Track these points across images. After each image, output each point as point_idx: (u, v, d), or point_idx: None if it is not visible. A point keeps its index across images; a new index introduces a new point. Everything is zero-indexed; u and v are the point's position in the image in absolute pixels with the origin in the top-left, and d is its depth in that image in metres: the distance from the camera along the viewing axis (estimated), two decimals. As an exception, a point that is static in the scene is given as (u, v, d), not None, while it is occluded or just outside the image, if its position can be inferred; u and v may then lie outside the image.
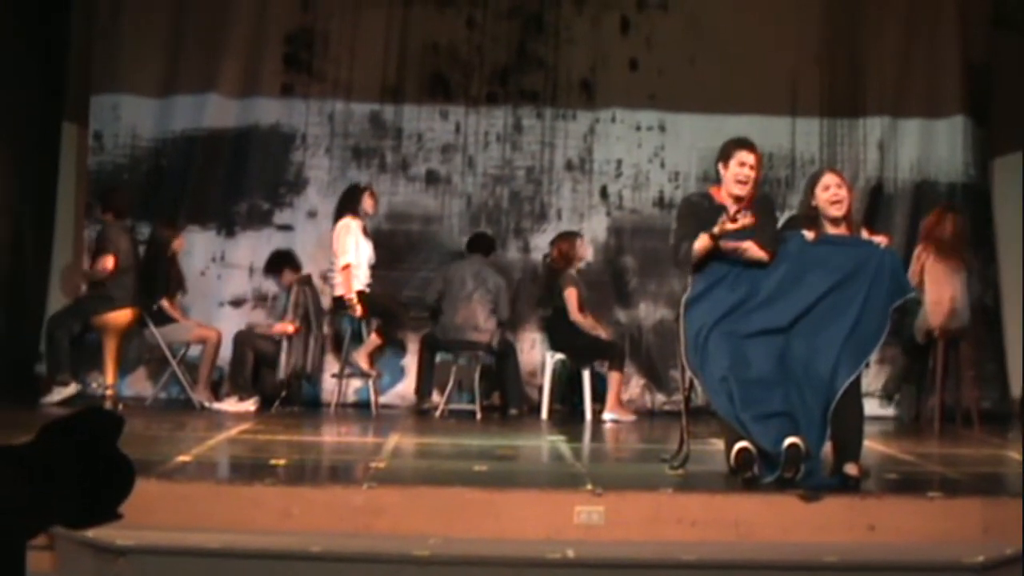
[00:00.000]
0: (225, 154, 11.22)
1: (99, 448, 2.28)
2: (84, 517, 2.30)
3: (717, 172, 6.69)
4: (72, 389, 9.96)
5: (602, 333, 10.37)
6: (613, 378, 10.21)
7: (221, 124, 11.18)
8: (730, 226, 6.31)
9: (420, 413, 10.26)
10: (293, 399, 10.38)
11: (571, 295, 10.22)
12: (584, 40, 11.44)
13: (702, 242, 6.39)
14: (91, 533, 4.99)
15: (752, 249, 6.40)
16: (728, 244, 6.40)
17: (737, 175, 6.54)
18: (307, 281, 10.47)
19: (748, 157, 6.57)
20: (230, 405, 9.97)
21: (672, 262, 6.91)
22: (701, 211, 6.46)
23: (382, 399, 10.60)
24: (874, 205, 11.21)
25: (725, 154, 6.63)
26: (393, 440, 8.41)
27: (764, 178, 10.40)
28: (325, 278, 10.70)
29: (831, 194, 6.55)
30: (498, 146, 11.39)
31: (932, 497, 5.96)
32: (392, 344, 10.75)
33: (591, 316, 10.45)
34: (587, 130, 11.40)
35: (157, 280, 10.19)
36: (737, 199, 6.54)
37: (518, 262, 11.27)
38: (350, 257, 10.10)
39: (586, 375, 10.21)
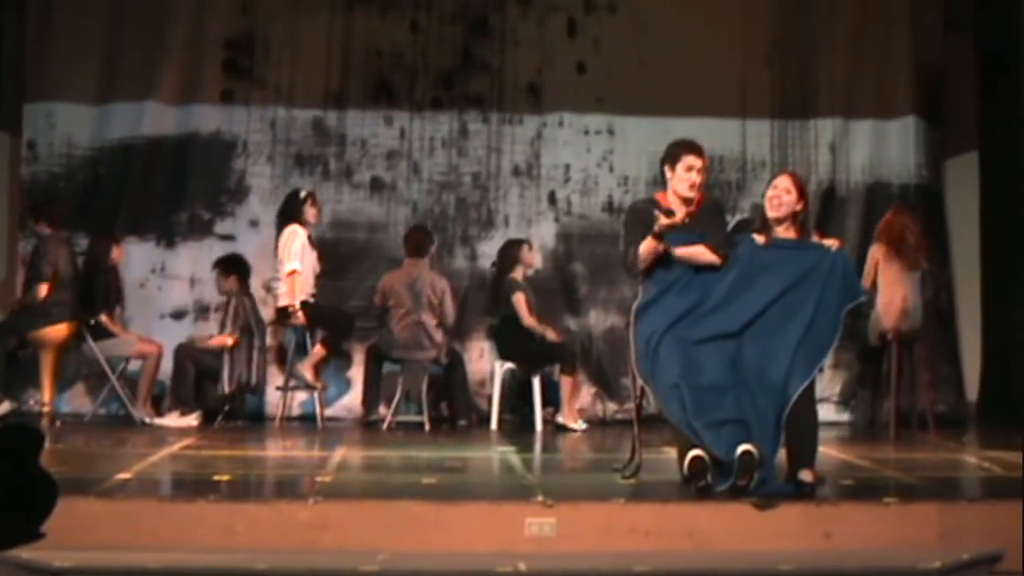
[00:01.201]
0: (164, 163, 11.15)
1: (19, 466, 2.25)
2: (4, 537, 2.27)
3: (663, 173, 6.70)
4: (5, 407, 9.87)
5: (551, 334, 10.36)
6: (566, 383, 10.22)
7: (160, 132, 11.12)
8: (664, 221, 6.29)
9: (367, 425, 10.24)
10: (237, 413, 10.33)
11: (520, 299, 10.21)
12: (530, 43, 11.45)
13: (647, 244, 6.39)
14: (26, 554, 4.94)
15: (704, 254, 6.42)
16: (679, 251, 6.42)
17: (684, 179, 6.54)
18: (245, 292, 10.42)
19: (696, 162, 6.56)
20: (172, 420, 9.90)
21: (623, 269, 6.91)
22: (647, 217, 6.43)
23: (328, 411, 10.56)
24: (826, 208, 11.27)
25: (672, 156, 6.62)
26: (339, 453, 8.38)
27: (714, 181, 10.53)
28: (268, 288, 10.66)
29: (772, 194, 6.58)
30: (444, 152, 11.38)
31: (888, 503, 5.99)
32: (337, 355, 10.72)
33: (539, 320, 10.45)
34: (534, 135, 11.41)
35: (96, 293, 10.12)
36: (685, 202, 6.55)
37: (465, 270, 11.25)
38: (296, 263, 10.06)
39: (536, 383, 10.21)
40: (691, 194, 6.54)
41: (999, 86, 11.30)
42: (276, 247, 10.24)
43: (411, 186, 11.34)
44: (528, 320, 10.24)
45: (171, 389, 10.19)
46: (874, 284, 9.84)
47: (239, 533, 5.67)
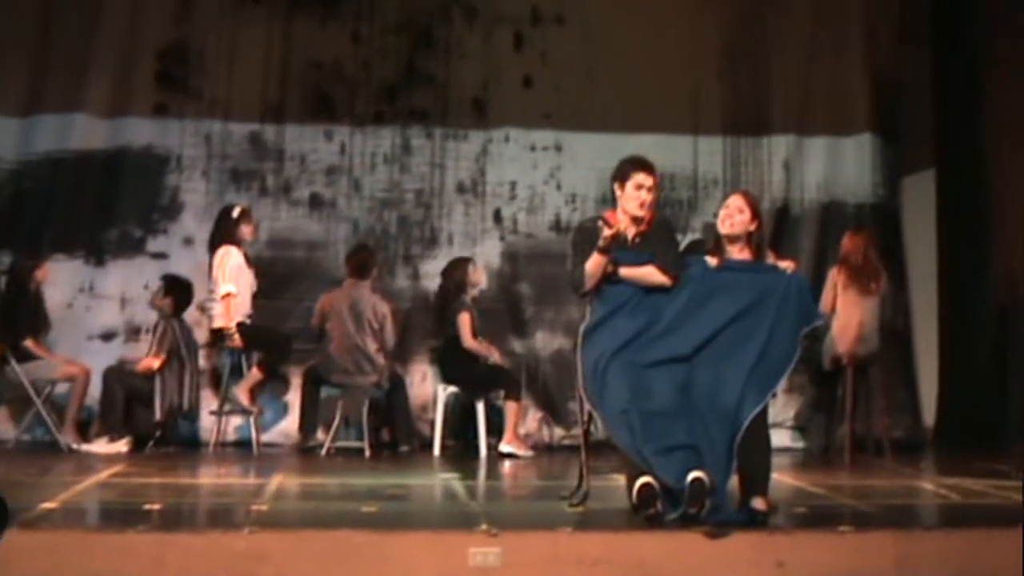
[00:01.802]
0: (94, 178, 11.08)
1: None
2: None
3: (612, 192, 6.70)
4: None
5: (496, 356, 10.36)
6: (510, 408, 10.21)
7: (89, 145, 11.05)
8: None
9: (305, 451, 10.19)
10: (169, 438, 10.26)
11: (464, 320, 10.21)
12: (476, 56, 11.47)
13: (594, 260, 6.39)
14: (-53, 587, 4.90)
15: (653, 274, 6.43)
16: (628, 272, 6.42)
17: (634, 197, 6.54)
18: (176, 315, 10.36)
19: (646, 180, 6.55)
20: (100, 446, 9.83)
21: (571, 290, 6.89)
22: (596, 237, 6.43)
23: (264, 437, 10.51)
24: (780, 227, 11.32)
25: (622, 174, 6.60)
26: (276, 481, 8.34)
27: (665, 199, 10.55)
28: (203, 309, 10.60)
29: (724, 213, 6.61)
30: (386, 168, 11.38)
31: (843, 531, 6.01)
32: (274, 378, 10.67)
33: (485, 341, 10.44)
34: (479, 150, 11.43)
35: (19, 314, 10.03)
36: (635, 220, 6.55)
37: (408, 290, 11.25)
38: (231, 286, 10.01)
39: (480, 408, 10.21)
40: (641, 213, 6.54)
41: (956, 102, 11.41)
42: (210, 267, 10.18)
43: (352, 203, 11.32)
44: (470, 342, 10.24)
45: (100, 414, 10.12)
46: (834, 308, 9.92)
47: (171, 565, 5.62)
